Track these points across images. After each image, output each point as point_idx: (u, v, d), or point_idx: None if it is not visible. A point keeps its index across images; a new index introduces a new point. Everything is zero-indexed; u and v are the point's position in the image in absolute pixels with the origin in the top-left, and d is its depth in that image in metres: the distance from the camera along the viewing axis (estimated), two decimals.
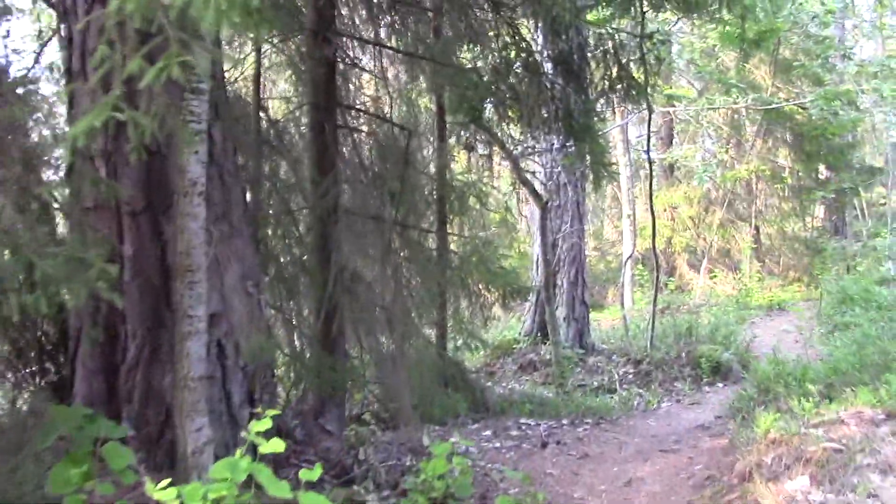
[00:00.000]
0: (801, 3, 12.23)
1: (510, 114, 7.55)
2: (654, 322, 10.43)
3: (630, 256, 14.49)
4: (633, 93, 6.82)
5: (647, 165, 12.88)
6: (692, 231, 18.84)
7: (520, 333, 11.27)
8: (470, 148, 7.75)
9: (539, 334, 10.97)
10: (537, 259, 10.86)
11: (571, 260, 10.78)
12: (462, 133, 7.83)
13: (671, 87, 16.58)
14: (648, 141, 10.20)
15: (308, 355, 5.66)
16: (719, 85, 15.83)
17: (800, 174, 18.48)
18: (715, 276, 18.04)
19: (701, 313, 15.14)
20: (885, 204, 31.47)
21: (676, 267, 18.68)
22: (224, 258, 4.59)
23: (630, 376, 10.35)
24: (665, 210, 18.38)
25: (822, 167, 19.68)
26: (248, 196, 5.73)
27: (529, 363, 10.78)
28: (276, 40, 6.68)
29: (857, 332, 10.22)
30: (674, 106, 15.85)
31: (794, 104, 15.34)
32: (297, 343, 6.05)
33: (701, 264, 18.10)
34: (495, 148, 8.11)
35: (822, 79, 17.21)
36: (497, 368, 10.96)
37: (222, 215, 4.60)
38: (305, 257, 6.03)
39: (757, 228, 19.06)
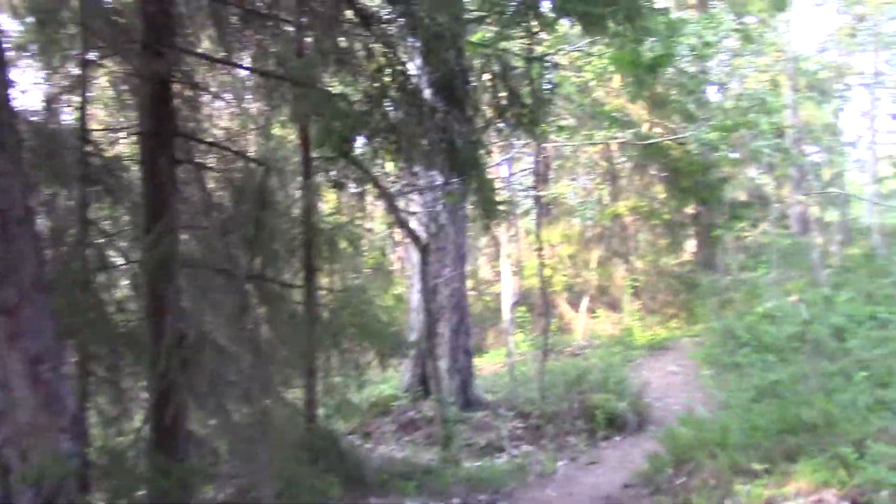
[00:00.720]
0: (678, 37, 11.92)
1: (385, 146, 6.61)
2: (543, 371, 9.65)
3: (516, 301, 13.78)
4: (525, 121, 6.03)
5: (524, 202, 12.35)
6: (571, 270, 18.41)
7: (399, 388, 10.25)
8: (340, 186, 6.70)
9: (420, 388, 9.99)
10: (416, 306, 9.94)
11: (454, 306, 9.89)
12: (330, 169, 6.80)
13: (546, 124, 16.16)
14: (537, 177, 9.48)
15: (131, 457, 4.43)
16: (595, 120, 15.49)
17: (675, 209, 18.41)
18: (596, 315, 17.60)
19: (586, 355, 14.59)
20: (747, 237, 32.55)
21: (557, 307, 18.16)
22: (6, 336, 3.41)
23: (519, 431, 9.50)
24: (544, 248, 17.85)
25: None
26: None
27: (410, 422, 9.77)
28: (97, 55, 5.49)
29: (755, 377, 9.80)
30: (553, 142, 15.38)
31: (671, 139, 15.13)
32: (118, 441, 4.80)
33: (581, 304, 17.63)
34: (369, 185, 7.10)
35: (694, 115, 17.23)
36: (374, 429, 9.88)
37: (3, 277, 3.42)
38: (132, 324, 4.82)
39: (633, 265, 18.83)
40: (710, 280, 23.53)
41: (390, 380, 11.01)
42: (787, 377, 8.67)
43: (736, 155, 20.44)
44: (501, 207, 6.95)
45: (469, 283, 24.71)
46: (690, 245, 22.46)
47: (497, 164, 12.87)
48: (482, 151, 6.39)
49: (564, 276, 17.67)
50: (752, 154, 21.42)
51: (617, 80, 16.12)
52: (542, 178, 17.89)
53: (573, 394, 9.64)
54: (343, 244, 6.56)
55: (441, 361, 9.90)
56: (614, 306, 18.72)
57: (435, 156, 6.41)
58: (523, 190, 15.74)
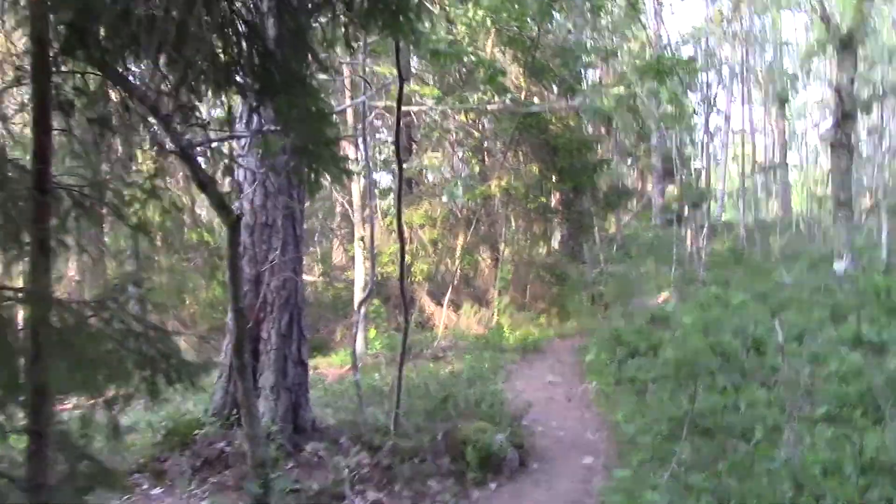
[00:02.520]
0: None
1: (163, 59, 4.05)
2: (399, 391, 7.28)
3: (368, 295, 11.34)
4: (385, 6, 3.60)
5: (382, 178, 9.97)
6: (434, 257, 16.17)
7: (206, 411, 7.62)
8: (66, 107, 4.00)
9: (235, 411, 7.41)
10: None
11: (284, 303, 7.34)
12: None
13: (411, 85, 13.82)
14: (398, 137, 7.06)
15: None
16: (468, 85, 13.29)
17: (549, 192, 16.53)
18: (461, 309, 15.46)
19: (450, 359, 12.37)
20: (611, 229, 31.52)
21: (417, 299, 15.89)
22: None
23: (365, 471, 7.09)
24: (404, 232, 15.53)
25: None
26: None
27: (218, 457, 7.16)
28: None
29: (662, 401, 7.81)
30: (419, 105, 13.06)
31: (553, 110, 13.13)
32: None
33: (444, 296, 15.44)
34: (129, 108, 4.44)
35: (574, 87, 15.37)
36: (169, 466, 7.22)
37: None
38: None
39: (502, 254, 16.81)
40: (579, 273, 22.11)
41: (200, 401, 8.36)
42: (707, 406, 6.70)
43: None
44: (345, 165, 4.53)
45: (316, 270, 22.23)
46: (556, 235, 20.83)
47: (358, 102, 10.15)
48: (311, 64, 3.93)
49: (426, 263, 15.39)
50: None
51: (490, 43, 14.01)
52: (404, 149, 15.54)
53: (437, 422, 7.33)
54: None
55: (265, 376, 7.39)
56: (480, 299, 16.66)
57: (241, 71, 3.94)
58: (381, 163, 13.28)
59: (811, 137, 39.84)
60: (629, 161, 35.29)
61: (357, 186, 12.86)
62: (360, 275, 13.07)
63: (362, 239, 12.76)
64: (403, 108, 13.70)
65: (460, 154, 15.31)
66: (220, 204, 5.30)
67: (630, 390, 8.98)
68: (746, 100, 38.72)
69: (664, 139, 36.12)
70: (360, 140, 11.78)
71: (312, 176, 4.29)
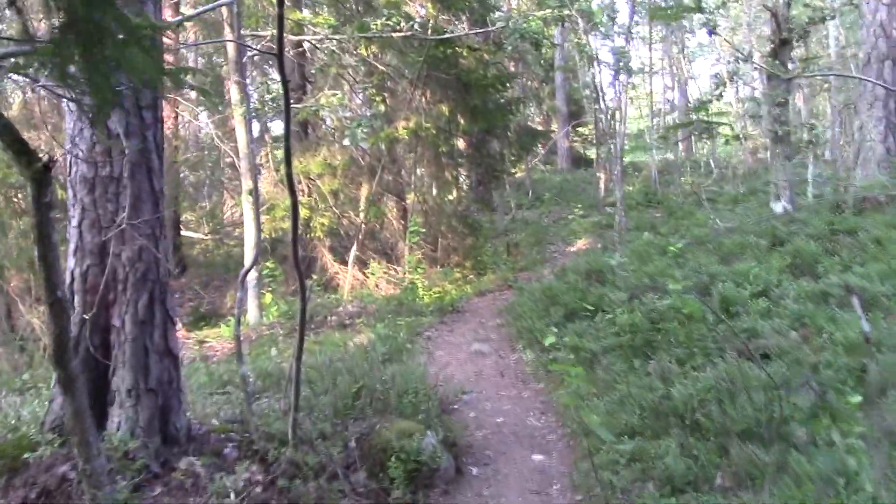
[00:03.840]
0: None
1: None
2: (297, 388, 5.64)
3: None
4: None
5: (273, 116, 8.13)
6: (335, 210, 14.45)
7: (41, 425, 5.82)
8: None
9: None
10: (75, 278, 5.58)
11: (140, 278, 5.56)
12: None
13: (301, 13, 11.95)
14: (281, 65, 5.25)
15: None
16: (369, 12, 11.48)
17: (461, 133, 14.97)
18: (368, 268, 13.85)
19: (359, 327, 10.81)
20: (517, 173, 30.27)
21: (318, 257, 14.20)
22: None
23: (258, 492, 5.52)
24: (300, 183, 13.74)
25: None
26: None
27: (60, 485, 5.45)
28: None
29: (619, 378, 6.42)
30: (311, 34, 11.20)
31: (467, 40, 11.48)
32: None
33: (349, 253, 13.79)
34: None
35: (486, 16, 13.78)
36: None
37: None
38: None
39: (412, 204, 15.22)
40: (491, 221, 20.78)
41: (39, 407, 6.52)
42: (687, 390, 5.35)
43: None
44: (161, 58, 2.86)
45: (206, 227, 20.15)
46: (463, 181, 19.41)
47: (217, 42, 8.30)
48: None
49: (326, 217, 13.66)
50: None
51: None
52: (296, 89, 13.66)
53: (348, 424, 5.77)
54: None
55: (120, 374, 5.65)
56: (389, 255, 15.09)
57: None
58: (270, 101, 11.33)
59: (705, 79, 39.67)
60: (532, 104, 34.02)
61: (243, 132, 10.99)
62: (249, 233, 11.28)
63: (250, 192, 10.94)
64: (294, 39, 11.86)
65: (361, 93, 13.51)
66: (15, 146, 3.55)
67: (573, 362, 7.61)
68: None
69: (568, 80, 35.14)
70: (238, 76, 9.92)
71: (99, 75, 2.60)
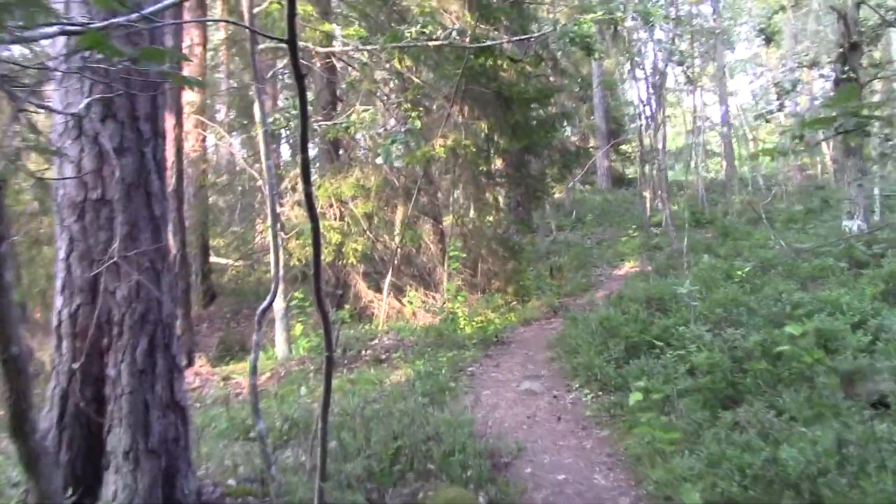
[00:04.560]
0: None
1: None
2: (324, 448, 4.73)
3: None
4: None
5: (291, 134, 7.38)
6: (369, 234, 13.62)
7: (26, 493, 4.98)
8: None
9: (75, 490, 4.82)
10: (64, 321, 4.75)
11: (138, 320, 4.73)
12: None
13: (329, 25, 11.18)
14: (296, 63, 4.39)
15: None
16: (400, 22, 10.68)
17: (502, 152, 14.06)
18: (405, 295, 12.96)
19: (396, 362, 9.91)
20: (556, 193, 29.30)
21: (351, 285, 13.35)
22: None
23: None
24: (331, 206, 12.95)
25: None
26: None
27: None
28: None
29: (703, 430, 5.41)
30: (342, 47, 10.41)
31: (507, 42, 10.59)
32: None
33: (384, 280, 12.91)
34: None
35: (525, 26, 12.92)
36: None
37: None
38: None
39: (451, 227, 14.30)
40: (532, 243, 19.85)
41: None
42: (816, 449, 4.33)
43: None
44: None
45: (234, 254, 19.41)
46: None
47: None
48: None
49: (359, 243, 12.82)
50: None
51: None
52: (327, 106, 12.88)
53: (385, 491, 4.84)
54: None
55: (116, 434, 4.80)
56: (427, 281, 14.19)
57: None
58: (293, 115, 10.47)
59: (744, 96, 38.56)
60: (568, 122, 33.09)
61: (265, 150, 10.17)
62: (277, 260, 10.44)
63: (276, 217, 10.12)
64: (322, 51, 11.08)
65: (395, 109, 12.69)
66: None
67: (641, 407, 6.62)
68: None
69: (606, 98, 34.21)
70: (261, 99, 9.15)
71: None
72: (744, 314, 7.74)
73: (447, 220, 14.92)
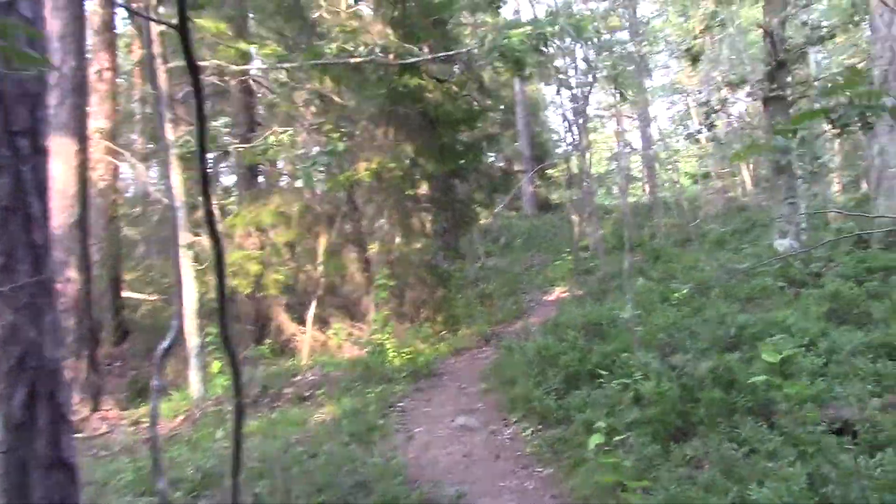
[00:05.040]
0: None
1: None
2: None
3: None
4: None
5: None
6: (291, 263, 12.95)
7: None
8: None
9: None
10: None
11: (15, 367, 4.01)
12: None
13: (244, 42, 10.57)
14: (189, 53, 3.80)
15: None
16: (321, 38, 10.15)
17: (429, 176, 13.59)
18: (330, 327, 12.29)
19: (320, 400, 9.28)
20: (482, 219, 28.99)
21: (273, 318, 12.64)
22: None
23: None
24: (250, 235, 12.26)
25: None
26: None
27: None
28: None
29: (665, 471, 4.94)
30: (258, 65, 9.80)
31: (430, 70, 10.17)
32: None
33: (308, 312, 12.23)
34: None
35: (449, 48, 12.53)
36: None
37: None
38: None
39: (377, 255, 13.70)
40: (460, 270, 19.41)
41: None
42: (790, 488, 3.89)
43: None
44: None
45: (148, 288, 18.40)
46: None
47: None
48: None
49: (280, 273, 12.15)
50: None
51: None
52: (244, 128, 12.23)
53: None
54: None
55: None
56: (352, 312, 13.56)
57: None
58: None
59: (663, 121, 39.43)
60: (495, 145, 32.98)
61: (177, 177, 9.49)
62: (189, 294, 9.73)
63: (189, 247, 9.43)
64: (236, 69, 10.44)
65: (316, 131, 12.10)
66: None
67: (585, 441, 6.16)
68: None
69: (530, 123, 34.26)
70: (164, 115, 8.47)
71: None
72: (687, 338, 7.40)
73: (373, 248, 14.35)
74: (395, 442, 7.25)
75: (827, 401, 5.20)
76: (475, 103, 13.27)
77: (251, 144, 9.77)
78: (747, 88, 12.06)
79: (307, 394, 9.54)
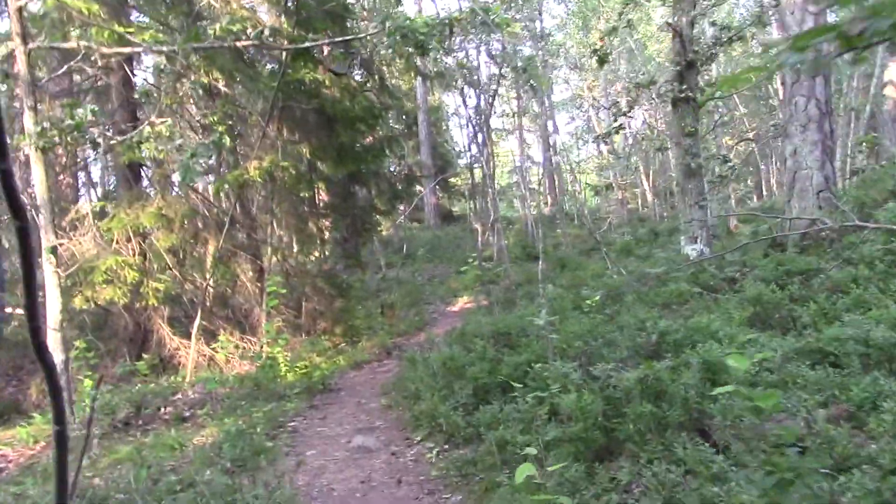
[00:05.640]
0: None
1: None
2: None
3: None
4: None
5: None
6: (175, 272, 11.88)
7: None
8: None
9: None
10: None
11: None
12: None
13: (123, 26, 9.52)
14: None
15: None
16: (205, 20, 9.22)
17: (324, 178, 12.75)
18: (218, 342, 11.26)
19: (203, 420, 8.33)
20: (385, 231, 28.22)
21: (154, 331, 11.51)
22: None
23: None
24: (129, 240, 11.15)
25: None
26: None
27: None
28: None
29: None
30: (134, 46, 8.78)
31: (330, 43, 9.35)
32: None
33: (193, 325, 11.17)
34: None
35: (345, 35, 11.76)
36: None
37: None
38: None
39: (269, 263, 12.73)
40: (361, 280, 18.63)
41: None
42: None
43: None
44: None
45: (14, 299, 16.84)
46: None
47: None
48: None
49: (162, 282, 11.08)
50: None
51: None
52: (122, 117, 11.14)
53: None
54: None
55: None
56: (243, 325, 12.56)
57: None
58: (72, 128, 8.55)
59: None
60: (396, 148, 32.30)
61: (40, 171, 8.38)
62: (53, 304, 8.61)
63: (52, 251, 8.33)
64: (107, 52, 9.38)
65: (200, 123, 11.04)
66: None
67: (496, 464, 5.48)
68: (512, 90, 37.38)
69: (433, 134, 33.76)
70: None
71: None
72: (603, 347, 6.83)
73: (266, 256, 13.39)
74: (283, 467, 6.40)
75: (767, 413, 4.66)
76: (376, 101, 12.50)
77: (125, 137, 8.73)
78: (655, 90, 11.74)
79: (187, 413, 8.55)
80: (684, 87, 10.60)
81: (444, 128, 39.42)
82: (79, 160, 14.37)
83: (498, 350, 7.92)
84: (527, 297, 12.38)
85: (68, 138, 7.56)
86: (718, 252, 10.39)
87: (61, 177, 13.43)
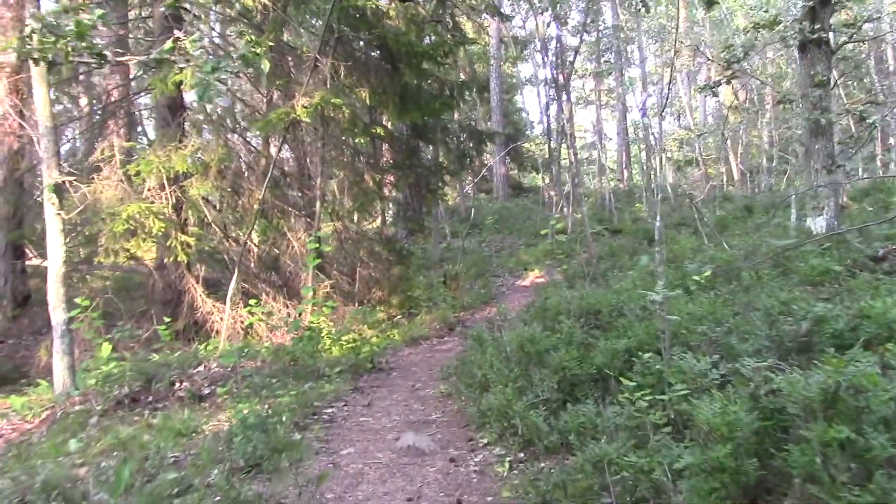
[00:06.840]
0: None
1: None
2: None
3: None
4: None
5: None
6: (214, 227, 10.48)
7: None
8: None
9: None
10: None
11: None
12: None
13: None
14: None
15: None
16: None
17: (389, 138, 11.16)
18: (257, 305, 9.81)
19: (221, 402, 6.88)
20: (451, 200, 26.65)
21: (187, 291, 10.15)
22: None
23: None
24: (163, 187, 9.77)
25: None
26: None
27: None
28: None
29: None
30: None
31: None
32: None
33: (229, 287, 9.71)
34: None
35: None
36: None
37: None
38: None
39: (318, 218, 11.17)
40: (424, 246, 17.16)
41: None
42: None
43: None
44: None
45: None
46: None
47: None
48: None
49: (193, 235, 9.68)
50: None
51: None
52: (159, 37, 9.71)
53: None
54: None
55: None
56: (289, 289, 11.11)
57: None
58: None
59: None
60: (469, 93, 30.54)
61: (43, 92, 7.00)
62: (55, 254, 7.25)
63: (52, 189, 6.95)
64: None
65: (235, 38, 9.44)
66: None
67: (594, 489, 3.85)
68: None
69: (504, 102, 31.91)
70: None
71: None
72: (727, 334, 5.10)
73: (318, 210, 11.89)
74: (310, 472, 4.89)
75: None
76: (447, 36, 10.79)
77: (142, 57, 7.29)
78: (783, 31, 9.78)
79: (206, 391, 7.11)
80: (816, 26, 8.69)
81: (518, 93, 37.60)
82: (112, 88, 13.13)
83: (587, 332, 6.26)
84: (614, 270, 10.66)
85: (68, 48, 6.12)
86: (850, 227, 8.52)
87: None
